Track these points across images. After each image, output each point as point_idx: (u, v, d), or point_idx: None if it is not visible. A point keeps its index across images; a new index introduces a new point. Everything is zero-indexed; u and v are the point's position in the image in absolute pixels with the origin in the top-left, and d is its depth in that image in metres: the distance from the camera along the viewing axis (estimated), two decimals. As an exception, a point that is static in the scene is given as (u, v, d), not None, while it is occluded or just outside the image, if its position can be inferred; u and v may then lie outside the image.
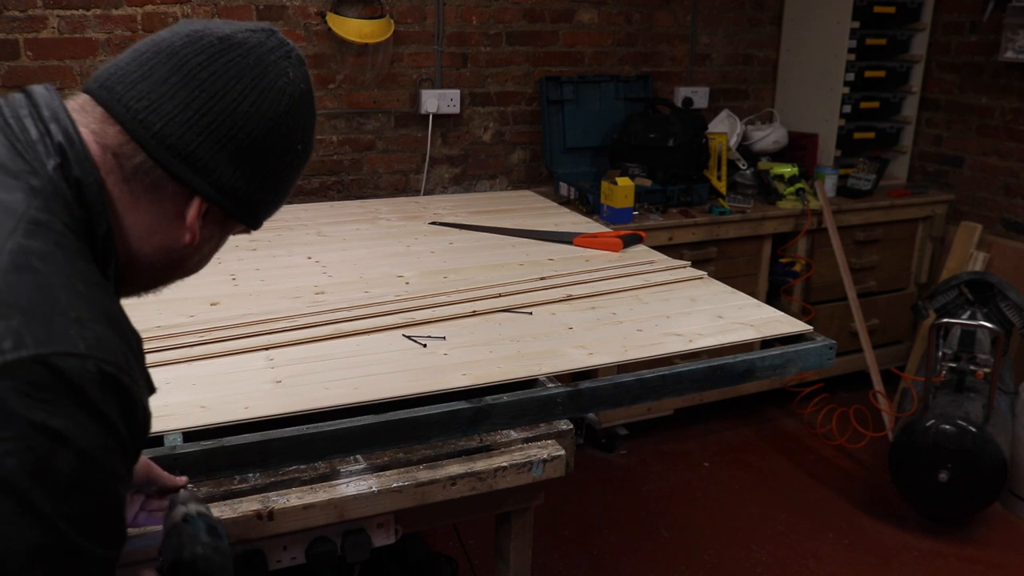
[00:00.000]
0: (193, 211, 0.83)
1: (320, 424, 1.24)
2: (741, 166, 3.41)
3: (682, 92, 3.66)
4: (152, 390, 0.78)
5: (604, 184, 2.94)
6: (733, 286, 1.94)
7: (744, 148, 3.53)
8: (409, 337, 1.59)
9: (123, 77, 0.80)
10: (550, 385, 1.44)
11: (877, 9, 3.54)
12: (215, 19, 0.87)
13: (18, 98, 0.80)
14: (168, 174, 0.80)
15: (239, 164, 0.83)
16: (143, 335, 0.80)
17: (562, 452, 1.39)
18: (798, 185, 3.34)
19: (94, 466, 0.66)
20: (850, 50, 3.54)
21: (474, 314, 1.72)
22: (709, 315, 1.75)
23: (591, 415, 3.06)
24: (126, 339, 0.73)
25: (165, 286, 0.92)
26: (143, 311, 0.95)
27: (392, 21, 3.05)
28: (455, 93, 3.24)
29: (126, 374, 0.70)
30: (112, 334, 0.70)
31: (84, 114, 0.80)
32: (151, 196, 0.81)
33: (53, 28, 2.67)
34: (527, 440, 1.40)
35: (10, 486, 0.61)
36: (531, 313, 1.74)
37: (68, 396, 0.64)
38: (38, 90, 0.80)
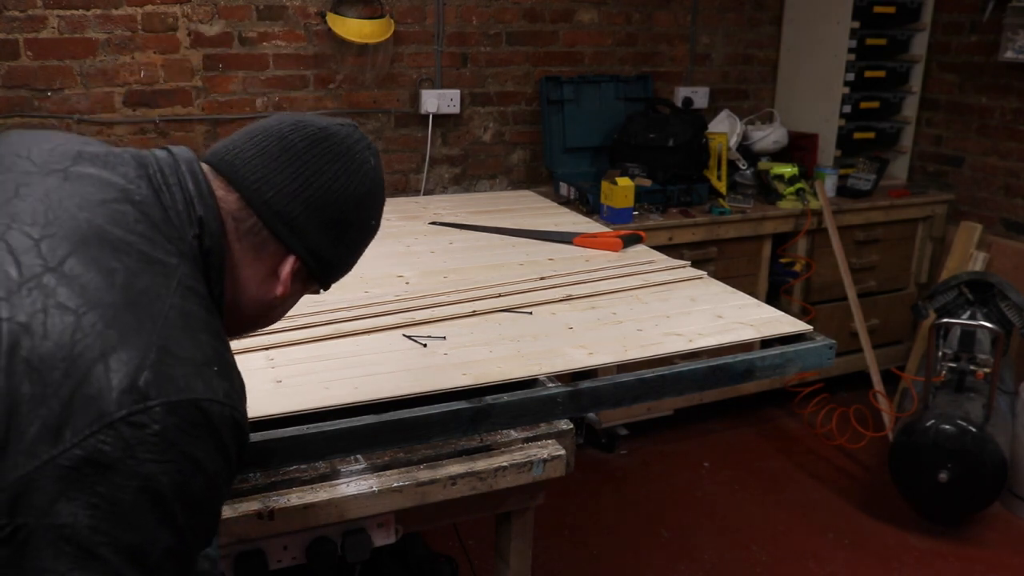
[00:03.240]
0: (287, 267, 0.98)
1: (320, 424, 1.24)
2: (741, 166, 3.40)
3: (682, 92, 3.66)
4: None
5: (604, 184, 2.94)
6: (733, 286, 1.94)
7: (744, 148, 3.53)
8: (409, 337, 1.59)
9: (240, 154, 0.96)
10: (550, 385, 1.43)
11: (877, 9, 3.53)
12: (308, 113, 1.10)
13: (167, 162, 0.93)
14: (272, 235, 0.96)
15: (328, 232, 0.99)
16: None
17: (562, 452, 1.39)
18: (798, 185, 3.34)
19: (214, 490, 0.81)
20: (850, 50, 3.53)
21: (474, 314, 1.72)
22: (709, 315, 1.75)
23: (591, 415, 3.06)
24: (242, 387, 0.87)
25: (245, 334, 1.08)
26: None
27: (392, 21, 3.05)
28: (455, 93, 3.24)
29: (245, 419, 0.85)
30: (238, 385, 0.86)
31: (211, 183, 0.95)
32: (256, 254, 0.97)
33: (53, 28, 2.67)
34: (527, 440, 1.40)
35: (162, 499, 0.75)
36: (531, 313, 1.74)
37: (209, 434, 0.79)
38: (184, 157, 0.94)
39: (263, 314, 1.04)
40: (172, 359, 0.77)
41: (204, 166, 0.96)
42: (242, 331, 1.06)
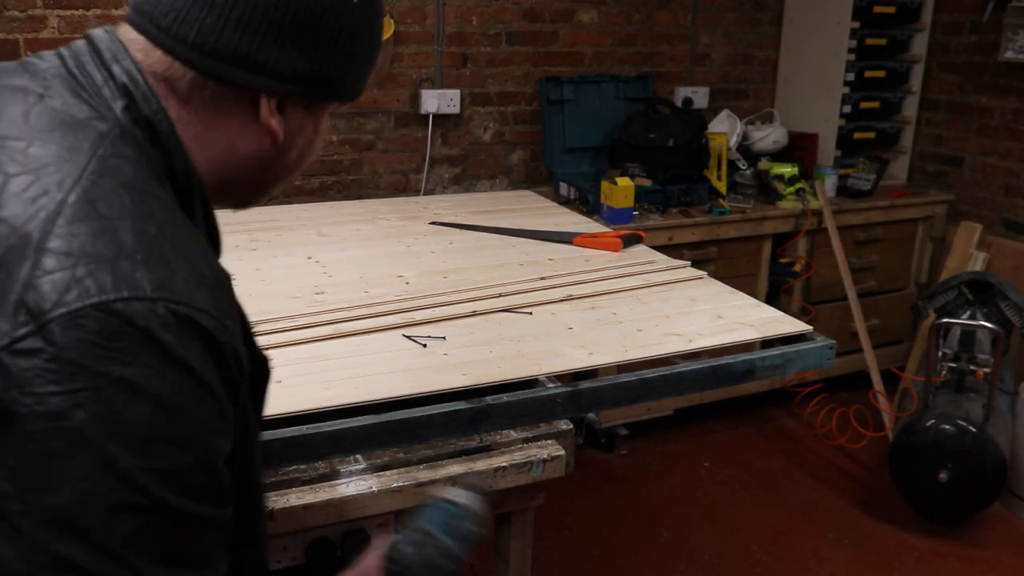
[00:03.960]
0: (264, 111, 0.78)
1: (320, 424, 1.24)
2: (741, 166, 3.41)
3: (682, 92, 3.66)
4: (247, 328, 0.74)
5: (604, 184, 2.94)
6: (733, 286, 1.94)
7: (744, 148, 3.53)
8: (409, 337, 1.59)
9: (149, 0, 0.76)
10: (550, 385, 1.43)
11: (877, 9, 3.53)
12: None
13: (80, 46, 0.77)
14: (222, 83, 0.75)
15: (292, 46, 0.76)
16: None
17: (562, 452, 1.39)
18: (798, 185, 3.34)
19: (175, 416, 0.62)
20: (850, 50, 3.53)
21: (474, 314, 1.72)
22: (709, 315, 1.75)
23: (591, 415, 3.06)
24: (207, 278, 0.68)
25: (273, 190, 0.88)
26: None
27: (392, 21, 3.05)
28: (455, 93, 3.24)
29: (204, 314, 0.65)
30: (188, 273, 0.66)
31: (129, 48, 0.76)
32: (216, 111, 0.77)
33: (53, 28, 2.67)
34: (527, 440, 1.40)
35: (83, 439, 0.59)
36: (531, 313, 1.74)
37: (138, 343, 0.61)
38: (99, 35, 0.77)
39: (271, 168, 0.83)
40: (68, 260, 0.61)
41: (122, 32, 0.78)
42: (256, 194, 0.87)
